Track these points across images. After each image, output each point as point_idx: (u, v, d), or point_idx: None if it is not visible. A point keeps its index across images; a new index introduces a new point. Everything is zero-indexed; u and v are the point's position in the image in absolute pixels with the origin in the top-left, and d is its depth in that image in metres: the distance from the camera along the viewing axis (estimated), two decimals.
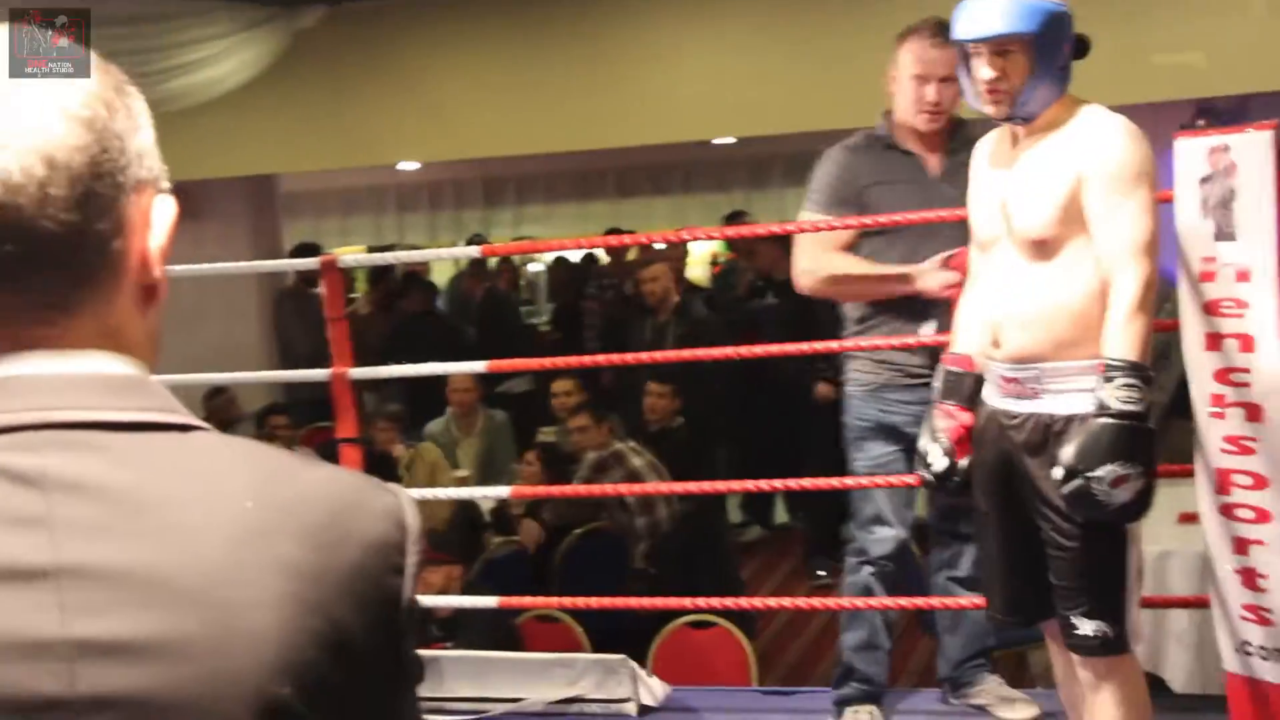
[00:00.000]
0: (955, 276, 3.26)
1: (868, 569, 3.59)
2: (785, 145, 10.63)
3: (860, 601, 3.55)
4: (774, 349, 4.12)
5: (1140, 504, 2.61)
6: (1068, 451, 2.61)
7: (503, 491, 3.67)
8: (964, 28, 2.72)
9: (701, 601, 3.89)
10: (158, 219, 0.95)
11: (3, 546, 0.82)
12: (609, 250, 9.16)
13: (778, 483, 3.96)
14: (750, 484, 4.72)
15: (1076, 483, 2.58)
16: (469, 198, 11.85)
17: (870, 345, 3.54)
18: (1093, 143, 2.68)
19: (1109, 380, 2.59)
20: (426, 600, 4.42)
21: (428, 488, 5.01)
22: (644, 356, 4.07)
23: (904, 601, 3.59)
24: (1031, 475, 2.74)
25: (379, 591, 0.88)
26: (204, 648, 0.82)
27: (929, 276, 3.39)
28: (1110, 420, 2.57)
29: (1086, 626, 2.71)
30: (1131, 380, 2.57)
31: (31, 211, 0.87)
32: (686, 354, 4.64)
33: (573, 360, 3.50)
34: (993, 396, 2.85)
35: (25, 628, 0.81)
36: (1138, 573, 2.78)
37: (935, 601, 3.60)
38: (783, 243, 8.44)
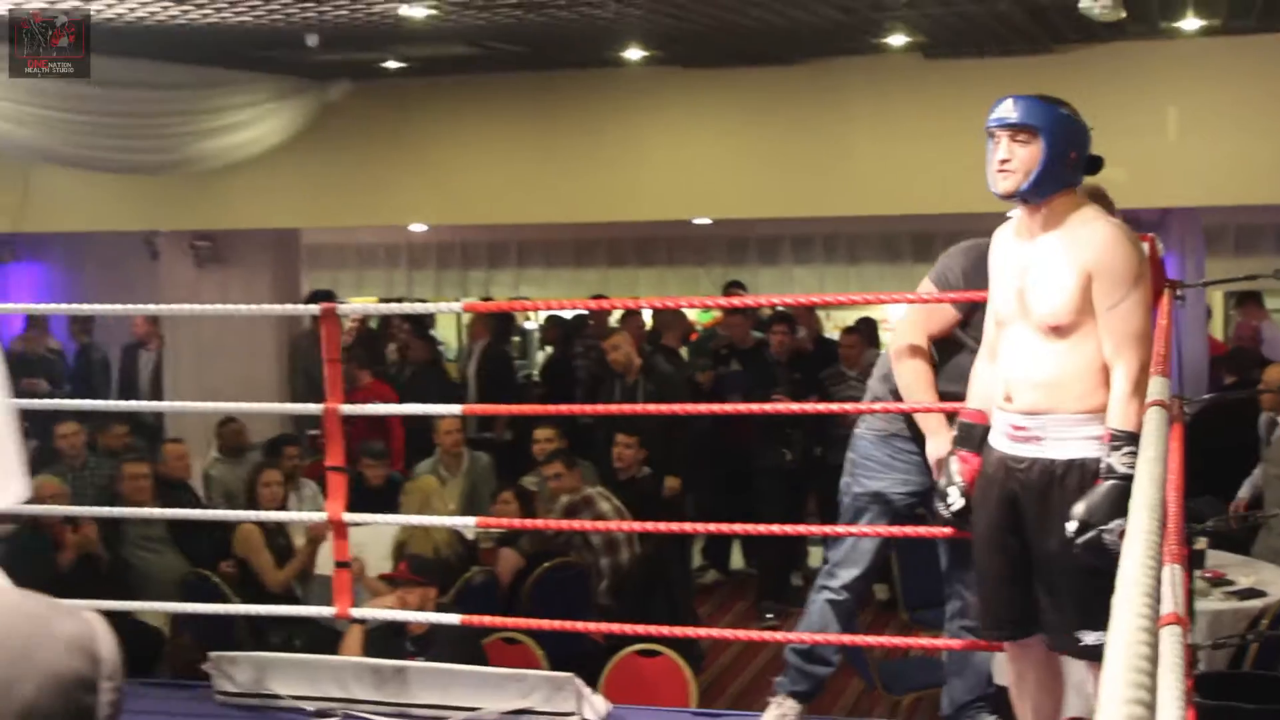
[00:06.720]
0: (962, 474, 3.39)
1: (827, 593, 3.95)
2: (758, 228, 11.49)
3: (822, 635, 3.84)
4: (742, 407, 4.54)
5: None
6: (1080, 508, 3.01)
7: (469, 521, 4.20)
8: (993, 115, 3.18)
9: (646, 629, 4.28)
10: None
11: None
12: (591, 313, 9.97)
13: (734, 527, 4.16)
14: (703, 526, 5.05)
15: (1090, 534, 3.00)
16: (474, 259, 12.72)
17: (811, 409, 3.94)
18: (1100, 245, 3.10)
19: (1116, 449, 3.01)
20: (402, 615, 4.89)
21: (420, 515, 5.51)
22: (610, 409, 4.59)
23: (897, 640, 3.86)
24: (1036, 513, 3.16)
25: None
26: None
27: (940, 442, 3.63)
28: (1118, 482, 2.97)
29: (1090, 638, 3.10)
30: (1133, 449, 2.90)
31: None
32: (651, 408, 5.07)
33: (545, 408, 4.04)
34: (1001, 442, 3.26)
35: None
36: None
37: (942, 642, 3.94)
38: (750, 316, 9.13)
